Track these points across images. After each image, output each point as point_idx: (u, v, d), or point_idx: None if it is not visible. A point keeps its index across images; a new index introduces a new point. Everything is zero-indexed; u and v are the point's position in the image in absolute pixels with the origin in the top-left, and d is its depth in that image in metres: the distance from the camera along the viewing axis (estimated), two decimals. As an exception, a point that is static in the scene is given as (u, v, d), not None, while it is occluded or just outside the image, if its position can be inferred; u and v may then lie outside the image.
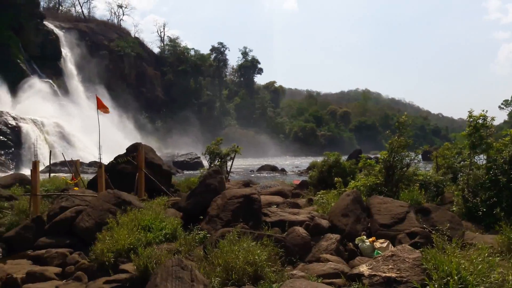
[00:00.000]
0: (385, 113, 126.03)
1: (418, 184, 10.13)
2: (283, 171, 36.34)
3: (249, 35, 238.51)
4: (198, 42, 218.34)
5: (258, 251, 5.76)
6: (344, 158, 14.14)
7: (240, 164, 46.17)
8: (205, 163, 24.87)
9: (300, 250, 7.16)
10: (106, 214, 8.59)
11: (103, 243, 7.00)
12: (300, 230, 7.54)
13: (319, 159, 18.96)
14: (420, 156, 10.65)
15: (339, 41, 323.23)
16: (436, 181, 10.36)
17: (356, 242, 7.52)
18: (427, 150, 17.07)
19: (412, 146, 10.37)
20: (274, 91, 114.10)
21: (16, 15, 56.58)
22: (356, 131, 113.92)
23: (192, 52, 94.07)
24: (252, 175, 32.45)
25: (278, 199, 11.26)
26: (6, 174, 27.02)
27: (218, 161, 17.02)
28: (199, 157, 42.95)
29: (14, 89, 50.41)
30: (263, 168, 37.98)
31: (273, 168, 37.63)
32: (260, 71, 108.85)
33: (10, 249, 9.12)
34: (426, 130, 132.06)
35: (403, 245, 6.23)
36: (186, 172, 37.20)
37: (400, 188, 9.90)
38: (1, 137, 38.15)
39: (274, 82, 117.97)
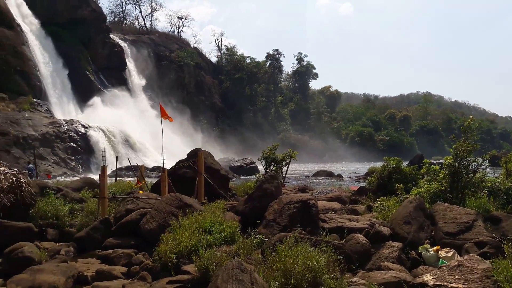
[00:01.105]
0: (447, 117, 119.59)
1: (486, 191, 9.53)
2: (339, 176, 35.68)
3: (304, 41, 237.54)
4: (254, 50, 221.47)
5: (317, 257, 5.72)
6: (404, 163, 13.61)
7: (295, 170, 45.98)
8: (261, 168, 25.05)
9: (359, 258, 7.01)
10: (169, 217, 8.95)
11: (166, 244, 7.29)
12: (360, 237, 7.40)
13: (378, 164, 18.38)
14: (487, 162, 10.02)
15: (397, 43, 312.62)
16: (506, 188, 9.69)
17: (419, 251, 7.23)
18: (495, 155, 15.99)
19: (478, 151, 9.79)
20: (330, 95, 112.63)
21: (85, 30, 60.82)
22: (416, 136, 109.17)
23: (248, 60, 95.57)
24: (308, 181, 32.20)
25: (335, 205, 11.09)
26: (77, 178, 29.04)
27: (273, 166, 17.12)
28: (254, 162, 43.36)
29: (83, 98, 54.12)
30: (318, 174, 37.53)
31: (329, 174, 37.06)
32: (315, 76, 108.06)
33: (80, 248, 9.74)
34: (493, 134, 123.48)
35: (470, 255, 5.90)
36: (242, 177, 37.71)
37: (466, 195, 9.38)
38: (72, 143, 40.99)
39: (330, 86, 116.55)
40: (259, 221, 8.86)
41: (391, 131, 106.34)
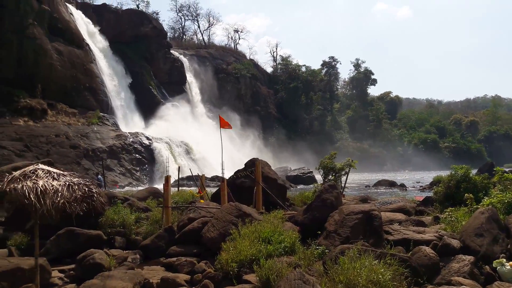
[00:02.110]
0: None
1: None
2: (402, 186, 34.23)
3: (361, 47, 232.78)
4: (309, 58, 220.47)
5: (382, 270, 5.50)
6: (473, 172, 12.74)
7: (354, 179, 44.84)
8: (318, 177, 24.69)
9: (427, 271, 6.65)
10: (229, 226, 9.07)
11: (227, 253, 7.38)
12: (427, 250, 7.02)
13: (444, 173, 17.40)
14: None
15: (461, 45, 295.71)
16: None
17: (494, 266, 6.72)
18: None
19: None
20: (390, 101, 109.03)
21: (147, 46, 64.23)
22: (485, 142, 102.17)
23: (303, 69, 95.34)
24: (368, 191, 31.22)
25: (400, 216, 10.64)
26: (141, 188, 30.38)
27: (332, 176, 16.79)
28: (311, 171, 42.86)
29: (147, 112, 56.88)
30: (380, 183, 36.28)
31: (391, 183, 35.68)
32: (373, 82, 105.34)
33: (146, 256, 10.14)
34: None
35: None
36: (299, 186, 37.41)
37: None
38: (137, 155, 43.10)
39: (390, 92, 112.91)
40: (319, 232, 8.71)
41: (457, 137, 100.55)
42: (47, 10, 41.74)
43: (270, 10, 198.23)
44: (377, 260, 5.92)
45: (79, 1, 63.84)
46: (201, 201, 13.14)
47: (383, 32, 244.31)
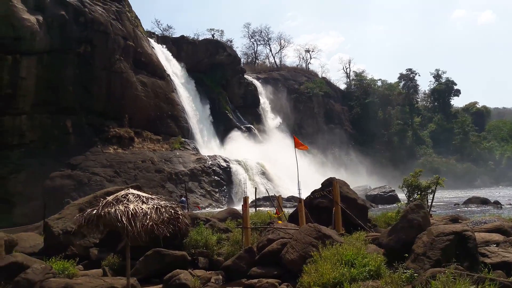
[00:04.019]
0: None
1: None
2: (496, 204, 31.19)
3: (441, 57, 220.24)
4: (385, 72, 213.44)
5: (481, 297, 5.00)
6: None
7: (441, 197, 41.85)
8: (401, 196, 23.42)
9: (536, 300, 5.91)
10: (309, 247, 8.92)
11: (309, 276, 7.23)
12: (534, 275, 6.26)
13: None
14: None
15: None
16: None
17: None
18: None
19: None
20: (476, 112, 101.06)
21: (223, 73, 67.10)
22: None
23: (379, 83, 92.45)
24: (458, 209, 28.90)
25: (496, 237, 9.67)
26: (221, 209, 31.17)
27: (417, 195, 15.82)
28: (394, 190, 40.81)
29: (224, 135, 58.94)
30: (470, 201, 33.40)
31: (483, 201, 32.68)
32: (457, 93, 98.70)
33: (228, 276, 10.30)
34: None
35: None
36: (380, 206, 35.77)
37: None
38: (216, 177, 44.49)
39: (476, 103, 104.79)
40: (406, 255, 8.20)
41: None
42: (131, 46, 45.49)
43: (342, 28, 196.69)
44: (474, 286, 5.40)
45: (159, 35, 68.84)
46: (279, 222, 13.12)
47: (464, 39, 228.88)
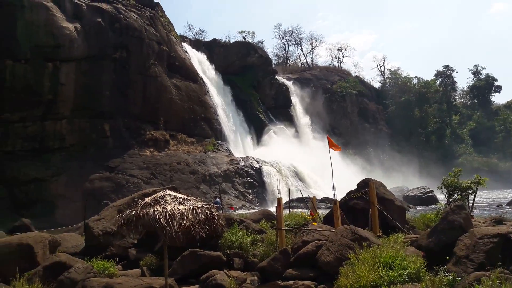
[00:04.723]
0: None
1: None
2: (544, 204, 29.66)
3: (480, 53, 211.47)
4: (421, 70, 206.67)
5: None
6: None
7: (482, 198, 40.21)
8: (441, 197, 22.65)
9: None
10: (345, 250, 8.78)
11: (346, 278, 7.12)
12: None
13: None
14: None
15: None
16: None
17: None
18: None
19: None
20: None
21: (254, 74, 67.34)
22: None
23: (415, 81, 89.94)
24: (502, 210, 27.67)
25: (545, 239, 9.17)
26: (254, 210, 31.24)
27: (457, 195, 15.26)
28: (432, 191, 39.56)
29: (256, 136, 59.12)
30: (515, 202, 31.93)
31: (530, 202, 31.16)
32: (497, 89, 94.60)
33: (263, 278, 10.30)
34: None
35: None
36: (418, 207, 34.79)
37: None
38: (248, 178, 44.70)
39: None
40: (447, 258, 7.93)
41: None
42: (165, 50, 46.46)
43: (375, 26, 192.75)
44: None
45: (192, 39, 69.95)
46: (313, 223, 13.01)
47: (504, 33, 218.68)
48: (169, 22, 53.23)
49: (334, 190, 12.50)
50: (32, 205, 31.25)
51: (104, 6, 41.70)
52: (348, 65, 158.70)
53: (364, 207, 12.97)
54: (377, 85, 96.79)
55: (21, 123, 34.30)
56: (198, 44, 65.63)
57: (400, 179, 64.45)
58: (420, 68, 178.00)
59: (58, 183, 33.46)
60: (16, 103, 33.86)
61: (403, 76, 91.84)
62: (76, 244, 13.74)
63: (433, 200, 36.49)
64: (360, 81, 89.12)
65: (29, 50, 34.67)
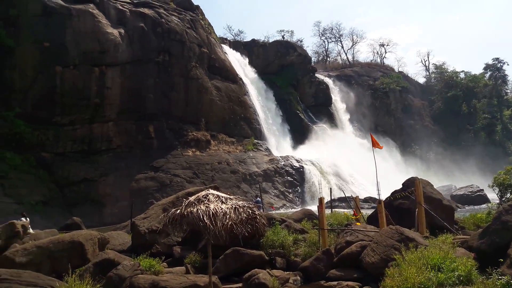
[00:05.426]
0: None
1: None
2: None
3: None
4: (468, 63, 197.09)
5: None
6: None
7: (539, 197, 37.80)
8: (492, 196, 21.53)
9: None
10: (391, 250, 8.55)
11: (392, 280, 6.94)
12: None
13: None
14: None
15: None
16: None
17: None
18: None
19: None
20: None
21: (293, 73, 66.94)
22: None
23: (462, 75, 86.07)
24: (561, 210, 25.88)
25: None
26: (295, 210, 31.09)
27: (510, 194, 14.48)
28: (482, 189, 37.73)
29: (296, 135, 58.70)
30: None
31: None
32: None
33: (306, 278, 10.24)
34: None
35: None
36: (467, 207, 33.30)
37: None
38: (289, 177, 44.53)
39: None
40: (500, 260, 7.53)
41: None
42: (206, 53, 47.21)
43: (418, 20, 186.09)
44: None
45: (231, 40, 70.67)
46: (357, 223, 12.75)
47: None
48: (209, 24, 54.05)
49: (378, 190, 12.21)
50: (82, 204, 32.76)
51: (146, 11, 42.96)
52: (391, 60, 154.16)
53: (410, 207, 12.60)
54: (421, 80, 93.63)
55: (71, 126, 36.00)
56: (237, 45, 66.20)
57: (448, 178, 62.02)
58: (468, 62, 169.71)
59: (106, 183, 34.87)
60: (65, 107, 35.61)
61: (449, 70, 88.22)
62: (123, 242, 14.24)
63: (483, 199, 34.87)
64: (403, 76, 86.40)
65: (77, 56, 36.34)
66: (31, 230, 15.53)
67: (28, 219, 16.96)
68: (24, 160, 32.51)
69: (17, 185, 30.34)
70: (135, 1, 43.63)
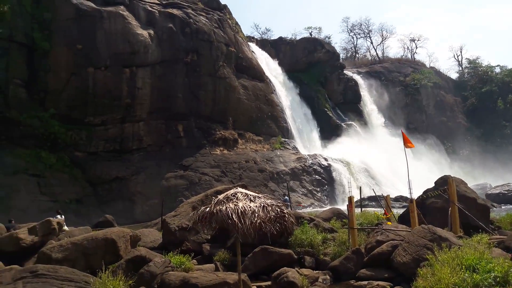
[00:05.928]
0: None
1: None
2: None
3: None
4: (504, 57, 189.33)
5: None
6: None
7: None
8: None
9: None
10: (423, 250, 8.37)
11: (425, 280, 6.80)
12: None
13: None
14: None
15: None
16: None
17: None
18: None
19: None
20: None
21: (321, 70, 66.22)
22: None
23: (497, 70, 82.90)
24: None
25: None
26: (323, 208, 30.82)
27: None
28: (519, 188, 36.34)
29: (324, 133, 58.08)
30: None
31: None
32: None
33: (335, 277, 10.15)
34: None
35: None
36: (503, 206, 32.14)
37: None
38: (316, 176, 44.17)
39: None
40: (541, 261, 7.22)
41: None
42: (233, 52, 47.44)
43: (450, 14, 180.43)
44: None
45: (258, 38, 70.67)
46: (388, 223, 12.53)
47: None
48: (236, 23, 54.26)
49: (410, 188, 11.94)
50: (114, 202, 33.63)
51: (175, 11, 43.57)
52: (422, 56, 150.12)
53: (443, 206, 12.30)
54: (454, 76, 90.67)
55: (103, 126, 37.00)
56: (264, 43, 66.15)
57: (482, 176, 60.00)
58: (503, 56, 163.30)
59: (137, 181, 35.66)
60: (97, 107, 36.61)
61: (483, 65, 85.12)
62: (154, 239, 14.54)
63: (520, 198, 33.59)
64: (435, 72, 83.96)
65: (108, 58, 37.25)
66: (66, 227, 16.10)
67: (63, 216, 17.58)
68: (58, 160, 33.66)
69: (52, 184, 31.45)
70: (163, 2, 44.30)
